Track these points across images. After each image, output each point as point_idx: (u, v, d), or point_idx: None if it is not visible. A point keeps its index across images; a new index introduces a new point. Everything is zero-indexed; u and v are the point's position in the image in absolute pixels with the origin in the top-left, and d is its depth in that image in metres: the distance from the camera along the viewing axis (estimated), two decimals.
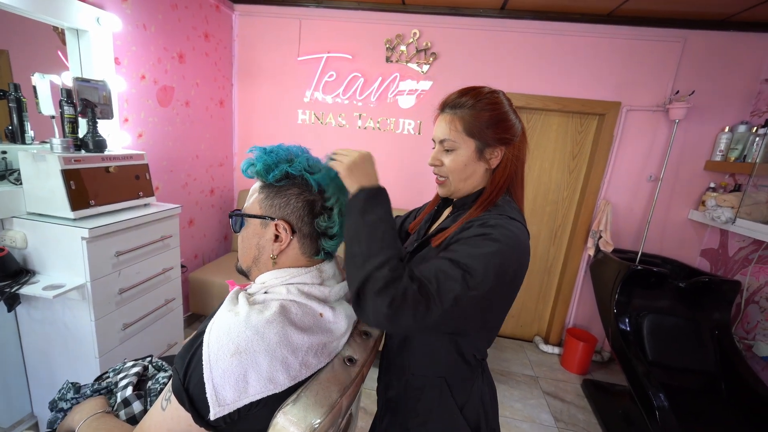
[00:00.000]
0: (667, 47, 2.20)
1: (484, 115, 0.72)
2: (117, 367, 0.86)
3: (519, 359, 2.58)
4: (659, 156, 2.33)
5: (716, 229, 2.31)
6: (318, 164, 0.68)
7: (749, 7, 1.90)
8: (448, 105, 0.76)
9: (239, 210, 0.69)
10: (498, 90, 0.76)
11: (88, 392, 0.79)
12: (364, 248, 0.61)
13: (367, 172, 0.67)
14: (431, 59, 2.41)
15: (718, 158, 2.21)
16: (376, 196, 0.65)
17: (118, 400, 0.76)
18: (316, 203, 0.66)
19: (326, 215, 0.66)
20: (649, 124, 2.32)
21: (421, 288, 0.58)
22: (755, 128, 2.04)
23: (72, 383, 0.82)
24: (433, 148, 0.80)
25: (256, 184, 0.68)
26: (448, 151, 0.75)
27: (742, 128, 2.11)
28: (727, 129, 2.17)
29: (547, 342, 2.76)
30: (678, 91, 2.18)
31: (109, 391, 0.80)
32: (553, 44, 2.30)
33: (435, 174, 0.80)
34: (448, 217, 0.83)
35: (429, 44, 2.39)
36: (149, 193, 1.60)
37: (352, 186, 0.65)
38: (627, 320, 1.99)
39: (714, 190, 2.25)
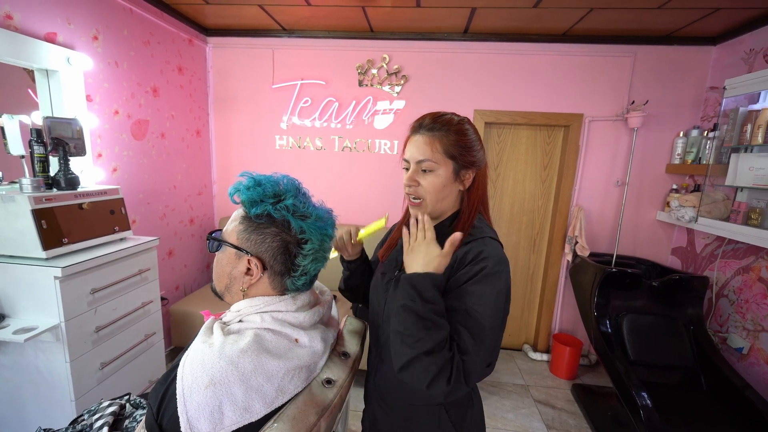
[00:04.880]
0: (619, 61, 2.36)
1: (460, 138, 0.76)
2: (92, 408, 0.84)
3: (509, 369, 2.59)
4: (623, 162, 2.46)
5: (683, 228, 2.43)
6: (306, 207, 0.67)
7: (689, 23, 2.07)
8: (424, 127, 0.78)
9: (219, 231, 0.70)
10: (466, 117, 0.82)
11: None
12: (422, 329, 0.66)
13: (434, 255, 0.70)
14: (402, 81, 2.51)
15: (676, 161, 2.35)
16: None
17: None
18: (291, 245, 0.66)
19: (300, 257, 0.66)
20: (610, 133, 2.45)
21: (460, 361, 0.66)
22: (706, 132, 2.18)
23: (44, 429, 0.79)
24: (405, 168, 0.81)
25: (240, 211, 0.68)
26: (425, 171, 0.77)
27: (694, 133, 2.25)
28: (681, 134, 2.32)
29: (535, 349, 2.78)
30: (633, 101, 2.33)
31: None
32: (516, 63, 2.44)
33: (409, 195, 0.80)
34: None
35: (399, 67, 2.49)
36: (125, 227, 1.58)
37: (415, 264, 0.70)
38: (607, 322, 2.05)
39: (676, 191, 2.38)
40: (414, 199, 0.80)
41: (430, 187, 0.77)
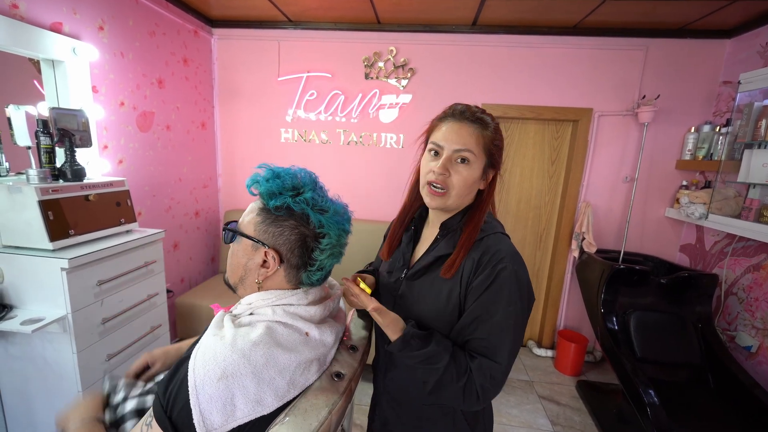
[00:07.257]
0: (630, 55, 2.32)
1: (496, 137, 0.75)
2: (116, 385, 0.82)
3: (514, 364, 2.58)
4: (633, 157, 2.42)
5: (692, 224, 2.40)
6: (324, 201, 0.66)
7: (703, 15, 2.02)
8: (467, 116, 0.73)
9: (235, 222, 0.69)
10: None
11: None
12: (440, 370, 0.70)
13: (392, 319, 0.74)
14: (409, 74, 2.48)
15: (687, 157, 2.31)
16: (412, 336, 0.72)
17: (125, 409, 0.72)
18: (309, 239, 0.65)
19: (318, 251, 0.65)
20: (620, 128, 2.41)
21: (489, 370, 0.68)
22: (718, 127, 2.15)
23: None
24: (433, 152, 0.75)
25: (257, 203, 0.67)
26: (462, 161, 0.72)
27: (706, 128, 2.22)
28: (693, 129, 2.28)
29: (540, 345, 2.78)
30: (644, 96, 2.29)
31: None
32: (524, 56, 2.40)
33: (432, 183, 0.73)
34: (438, 240, 0.80)
35: (406, 60, 2.46)
36: (131, 219, 1.58)
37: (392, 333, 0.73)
38: (614, 319, 2.03)
39: (686, 187, 2.34)
40: (437, 188, 0.73)
41: (461, 180, 0.72)
